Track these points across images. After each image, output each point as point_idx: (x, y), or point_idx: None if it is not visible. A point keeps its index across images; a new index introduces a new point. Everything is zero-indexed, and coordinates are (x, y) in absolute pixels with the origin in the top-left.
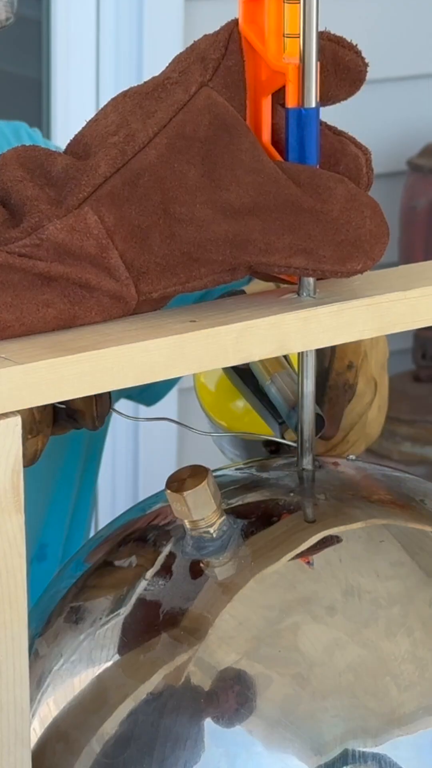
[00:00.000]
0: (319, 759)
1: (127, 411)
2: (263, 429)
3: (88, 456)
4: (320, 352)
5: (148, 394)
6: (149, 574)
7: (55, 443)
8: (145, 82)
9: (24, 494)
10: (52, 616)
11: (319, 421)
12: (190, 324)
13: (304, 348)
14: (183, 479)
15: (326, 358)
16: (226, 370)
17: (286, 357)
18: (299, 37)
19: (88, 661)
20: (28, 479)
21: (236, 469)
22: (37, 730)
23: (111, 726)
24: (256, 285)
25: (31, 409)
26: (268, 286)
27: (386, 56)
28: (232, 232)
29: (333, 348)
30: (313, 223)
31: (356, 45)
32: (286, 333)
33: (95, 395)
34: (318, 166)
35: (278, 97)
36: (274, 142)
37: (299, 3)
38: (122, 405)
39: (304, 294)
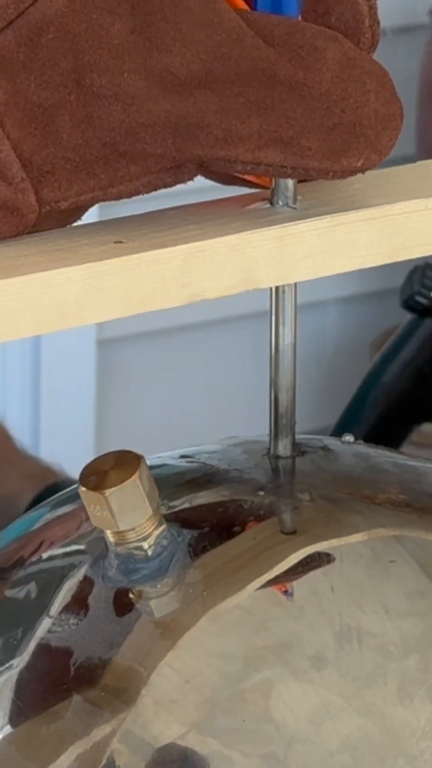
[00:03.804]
0: None
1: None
2: None
3: None
4: None
5: None
6: (54, 609)
7: None
8: None
9: None
10: None
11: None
12: (114, 246)
13: (279, 281)
14: (104, 471)
15: None
16: None
17: None
18: None
19: None
20: None
21: (181, 457)
22: None
23: None
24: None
25: None
26: None
27: None
28: (175, 114)
29: None
30: (292, 101)
31: None
32: (253, 259)
33: None
34: (300, 18)
35: None
36: None
37: None
38: None
39: (280, 203)
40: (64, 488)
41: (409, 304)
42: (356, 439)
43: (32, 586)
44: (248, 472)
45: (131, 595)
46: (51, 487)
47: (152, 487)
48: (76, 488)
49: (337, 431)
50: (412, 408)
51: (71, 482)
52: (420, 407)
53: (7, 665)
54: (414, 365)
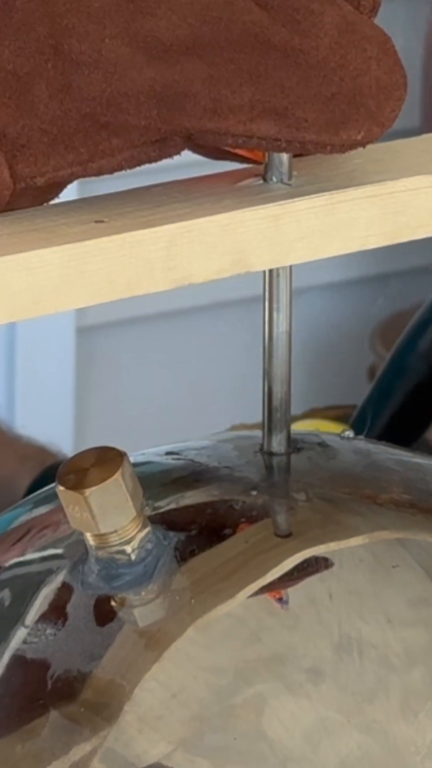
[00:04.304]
0: None
1: None
2: None
3: None
4: None
5: None
6: (30, 618)
7: None
8: None
9: None
10: None
11: None
12: (95, 226)
13: (273, 263)
14: (84, 469)
15: None
16: None
17: None
18: None
19: None
20: None
21: (167, 454)
22: None
23: None
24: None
25: None
26: None
27: None
28: (160, 82)
29: None
30: (287, 68)
31: None
32: (245, 240)
33: None
34: None
35: None
36: None
37: None
38: None
39: (275, 179)
40: None
41: None
42: (376, 430)
43: (6, 593)
44: (240, 470)
45: (113, 603)
46: (51, 468)
47: (136, 486)
48: (54, 487)
49: (357, 422)
50: None
51: None
52: None
53: None
54: None
